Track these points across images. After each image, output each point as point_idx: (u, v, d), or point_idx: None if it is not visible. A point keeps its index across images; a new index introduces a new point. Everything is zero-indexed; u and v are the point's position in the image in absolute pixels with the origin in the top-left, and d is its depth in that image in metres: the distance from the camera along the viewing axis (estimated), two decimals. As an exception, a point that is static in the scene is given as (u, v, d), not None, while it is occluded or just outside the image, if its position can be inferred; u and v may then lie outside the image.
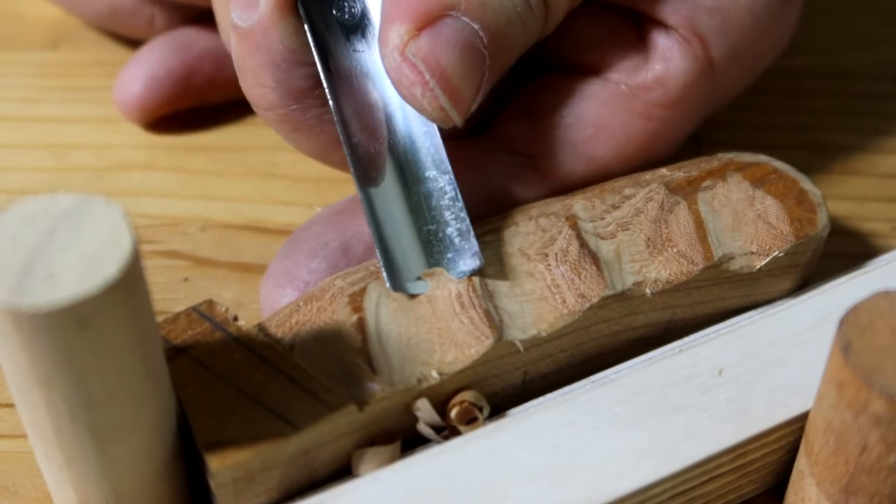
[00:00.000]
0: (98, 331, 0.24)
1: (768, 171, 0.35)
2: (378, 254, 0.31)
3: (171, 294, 0.37)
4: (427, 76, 0.30)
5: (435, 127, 0.33)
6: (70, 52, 0.47)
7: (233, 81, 0.38)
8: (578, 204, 0.34)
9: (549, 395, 0.32)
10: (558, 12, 0.33)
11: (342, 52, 0.33)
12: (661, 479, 0.29)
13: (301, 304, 0.31)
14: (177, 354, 0.30)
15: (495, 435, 0.30)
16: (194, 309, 0.31)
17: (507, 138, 0.36)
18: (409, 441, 0.31)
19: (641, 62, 0.36)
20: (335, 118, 0.32)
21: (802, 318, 0.32)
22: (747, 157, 0.35)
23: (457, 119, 0.31)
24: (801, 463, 0.30)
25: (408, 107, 0.32)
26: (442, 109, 0.31)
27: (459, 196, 0.32)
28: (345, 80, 0.32)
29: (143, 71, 0.42)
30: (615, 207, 0.34)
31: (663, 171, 0.35)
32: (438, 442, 0.31)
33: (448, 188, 0.32)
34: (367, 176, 0.32)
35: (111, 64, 0.45)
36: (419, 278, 0.31)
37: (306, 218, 0.36)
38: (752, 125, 0.43)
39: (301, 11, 0.32)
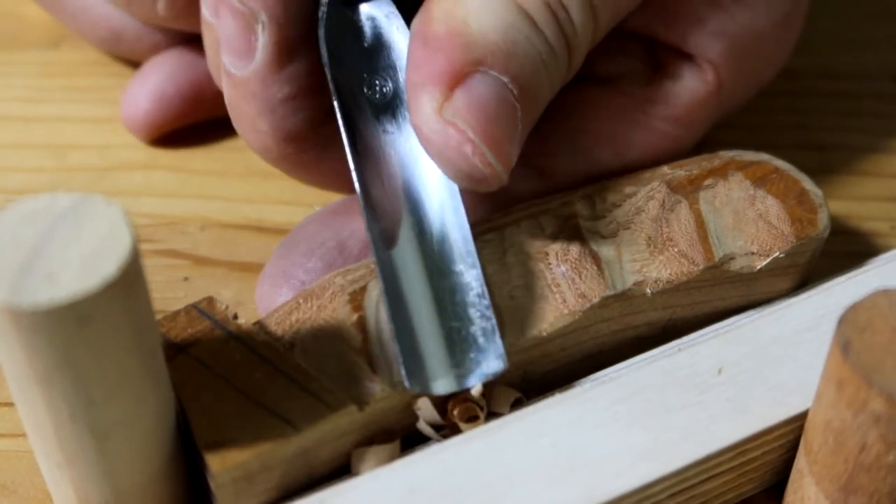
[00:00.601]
0: (97, 329, 0.24)
1: (769, 170, 0.35)
2: (397, 348, 0.30)
3: (170, 293, 0.37)
4: (471, 134, 0.29)
5: (465, 218, 0.31)
6: (70, 52, 0.46)
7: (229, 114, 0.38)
8: (579, 202, 0.34)
9: (548, 394, 0.32)
10: (581, 55, 0.32)
11: (371, 132, 0.31)
12: (660, 477, 0.29)
13: (301, 301, 0.31)
14: (177, 353, 0.30)
15: (495, 433, 0.30)
16: (194, 306, 0.31)
17: None
18: (408, 440, 0.31)
19: (649, 75, 0.36)
20: (360, 202, 0.31)
21: (802, 316, 0.32)
22: (749, 156, 0.35)
23: (503, 175, 0.30)
24: (801, 462, 0.30)
25: (438, 194, 0.31)
26: (490, 166, 0.29)
27: (487, 293, 0.30)
28: (372, 162, 0.31)
29: (152, 88, 0.41)
30: (616, 206, 0.34)
31: (664, 169, 0.35)
32: (438, 441, 0.31)
33: (475, 284, 0.31)
34: (390, 264, 0.30)
35: (111, 64, 0.45)
36: (440, 378, 0.30)
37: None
38: (753, 125, 0.43)
39: (331, 87, 0.31)
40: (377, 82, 0.32)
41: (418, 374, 0.29)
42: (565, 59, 0.31)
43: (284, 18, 0.31)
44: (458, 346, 0.30)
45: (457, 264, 0.31)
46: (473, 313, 0.30)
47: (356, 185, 0.31)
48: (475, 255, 0.31)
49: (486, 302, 0.30)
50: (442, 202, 0.31)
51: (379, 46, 0.32)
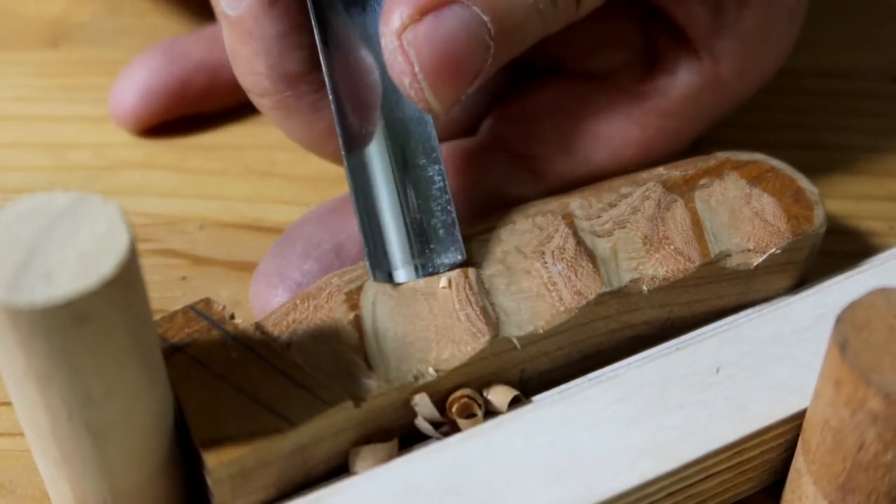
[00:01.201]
0: (95, 328, 0.24)
1: (765, 169, 0.35)
2: (362, 238, 0.31)
3: (168, 292, 0.37)
4: (416, 67, 0.29)
5: (432, 120, 0.32)
6: (69, 52, 0.47)
7: (227, 92, 0.38)
8: (575, 202, 0.34)
9: (546, 393, 0.32)
10: (591, 4, 0.32)
11: (341, 21, 0.32)
12: (658, 476, 0.29)
13: (298, 302, 0.31)
14: (174, 352, 0.30)
15: (493, 432, 0.30)
16: (191, 307, 0.31)
17: (504, 139, 0.36)
18: (405, 438, 0.31)
19: (644, 69, 0.36)
20: (329, 95, 0.31)
21: (800, 315, 0.32)
22: (744, 156, 0.35)
23: (439, 111, 0.30)
24: (799, 461, 0.30)
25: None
26: (425, 101, 0.30)
27: (448, 188, 0.32)
28: (342, 55, 0.32)
29: (139, 82, 0.42)
30: (612, 206, 0.34)
31: (660, 169, 0.35)
32: (436, 438, 0.31)
33: (437, 178, 0.32)
34: (356, 157, 0.31)
35: (110, 63, 0.46)
36: (400, 267, 0.31)
37: (304, 218, 0.36)
38: (751, 124, 0.43)
39: None
40: None
41: (381, 264, 0.31)
42: (571, 5, 0.31)
43: None
44: (419, 237, 0.31)
45: (420, 158, 0.32)
46: (435, 207, 0.32)
47: (325, 77, 0.31)
48: (439, 152, 0.32)
49: (448, 197, 0.32)
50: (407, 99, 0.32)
51: None
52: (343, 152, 0.31)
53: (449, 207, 0.32)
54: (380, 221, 0.31)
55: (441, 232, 0.31)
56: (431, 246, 0.31)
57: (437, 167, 0.32)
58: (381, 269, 0.31)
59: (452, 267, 0.31)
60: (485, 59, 0.30)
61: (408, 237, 0.31)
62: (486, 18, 0.30)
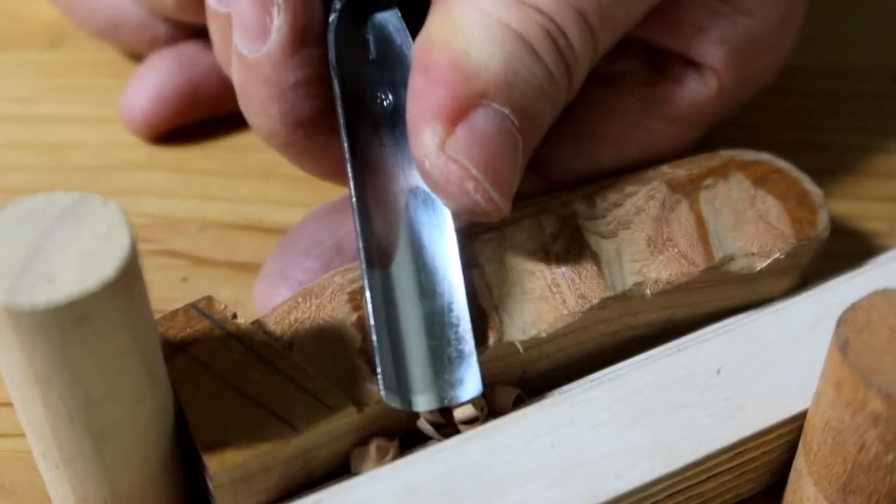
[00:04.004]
0: (96, 330, 0.24)
1: (770, 169, 0.35)
2: (376, 359, 0.29)
3: (169, 293, 0.37)
4: (473, 171, 0.29)
5: (454, 237, 0.31)
6: (69, 52, 0.46)
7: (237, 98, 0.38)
8: (579, 202, 0.34)
9: (547, 394, 0.32)
10: (581, 77, 0.32)
11: (369, 142, 0.31)
12: (659, 477, 0.29)
13: (300, 300, 0.31)
14: (175, 353, 0.29)
15: (494, 434, 0.30)
16: (193, 305, 0.31)
17: None
18: (407, 439, 0.31)
19: (652, 75, 0.36)
20: (354, 213, 0.31)
21: (801, 317, 0.32)
22: (749, 155, 0.35)
23: (505, 208, 0.30)
24: (800, 462, 0.29)
25: (428, 212, 0.31)
26: (492, 201, 0.30)
27: (468, 317, 0.30)
28: (368, 173, 0.31)
29: (149, 88, 0.41)
30: (616, 205, 0.34)
31: (664, 168, 0.35)
32: (438, 440, 0.30)
33: (456, 307, 0.31)
34: (377, 277, 0.30)
35: (110, 64, 0.45)
36: (414, 395, 0.30)
37: (305, 218, 0.36)
38: (753, 123, 0.43)
39: (336, 94, 0.31)
40: (379, 95, 0.32)
41: (393, 388, 0.29)
42: (565, 84, 0.31)
43: (301, 2, 0.31)
44: (434, 365, 0.30)
45: (441, 285, 0.31)
46: (451, 334, 0.30)
47: (352, 194, 0.31)
48: (461, 276, 0.31)
49: (467, 326, 0.30)
50: (431, 220, 0.31)
51: (384, 60, 0.32)
52: (363, 270, 0.30)
53: (467, 336, 0.30)
54: (394, 345, 0.30)
55: (456, 362, 0.30)
56: (445, 376, 0.30)
57: (458, 295, 0.31)
58: (394, 393, 0.29)
59: (466, 399, 0.30)
60: (518, 149, 0.30)
61: (422, 366, 0.30)
62: (506, 111, 0.30)
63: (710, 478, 0.30)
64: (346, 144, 0.31)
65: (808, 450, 0.29)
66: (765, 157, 0.35)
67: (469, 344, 0.30)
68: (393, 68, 0.32)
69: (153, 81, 0.41)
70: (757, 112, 0.43)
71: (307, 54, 0.31)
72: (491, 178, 0.29)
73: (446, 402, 0.30)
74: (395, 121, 0.32)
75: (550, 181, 0.35)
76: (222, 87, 0.42)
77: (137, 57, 0.44)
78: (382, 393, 0.29)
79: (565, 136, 0.36)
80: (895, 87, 0.46)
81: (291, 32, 0.31)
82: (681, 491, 0.30)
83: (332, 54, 0.31)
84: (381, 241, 0.31)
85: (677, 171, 0.35)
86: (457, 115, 0.29)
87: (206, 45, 0.42)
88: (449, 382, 0.30)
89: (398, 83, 0.32)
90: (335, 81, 0.31)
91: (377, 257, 0.31)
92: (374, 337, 0.30)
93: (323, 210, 0.35)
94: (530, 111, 0.30)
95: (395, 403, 0.29)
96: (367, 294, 0.30)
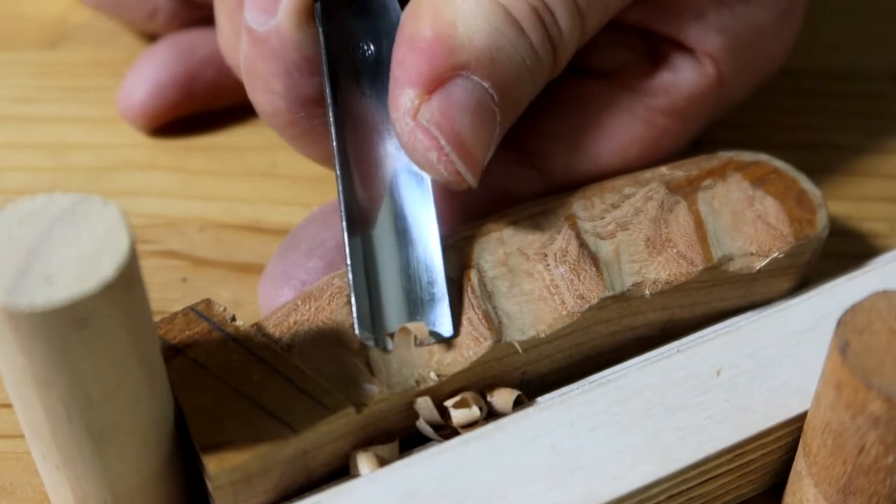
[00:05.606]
0: (95, 331, 0.24)
1: (768, 170, 0.35)
2: (352, 301, 0.30)
3: (168, 294, 0.37)
4: (442, 141, 0.30)
5: (429, 188, 0.32)
6: (69, 52, 0.47)
7: (236, 87, 0.38)
8: (578, 203, 0.34)
9: (547, 396, 0.32)
10: (567, 56, 0.32)
11: (351, 92, 0.32)
12: (659, 479, 0.29)
13: (299, 303, 0.31)
14: (175, 354, 0.29)
15: (493, 435, 0.30)
16: (192, 308, 0.31)
17: (508, 136, 0.36)
18: (406, 441, 0.31)
19: (650, 68, 0.36)
20: (335, 158, 0.31)
21: (801, 318, 0.32)
22: (747, 156, 0.35)
23: (471, 180, 0.31)
24: (800, 463, 0.29)
25: (405, 167, 0.32)
26: (457, 173, 0.30)
27: (442, 265, 0.31)
28: (350, 124, 0.32)
29: (147, 77, 0.41)
30: (615, 207, 0.34)
31: (663, 169, 0.35)
32: (437, 441, 0.30)
33: (430, 254, 0.31)
34: (356, 224, 0.31)
35: (110, 64, 0.45)
36: (391, 334, 0.30)
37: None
38: (752, 124, 0.43)
39: (320, 42, 0.31)
40: (362, 45, 0.32)
41: (368, 326, 0.30)
42: (550, 62, 0.32)
43: None
44: (408, 307, 0.31)
45: (416, 232, 0.32)
46: (424, 279, 0.31)
47: (333, 142, 0.31)
48: (435, 226, 0.32)
49: (440, 271, 0.31)
50: (409, 171, 0.32)
51: (368, 11, 0.32)
52: (343, 218, 0.31)
53: (440, 281, 0.31)
54: (370, 288, 0.31)
55: (429, 304, 0.31)
56: (418, 318, 0.31)
57: (434, 242, 0.32)
58: (368, 331, 0.30)
59: (438, 340, 0.31)
60: (495, 123, 0.31)
61: (397, 307, 0.31)
62: (486, 85, 0.30)
63: (709, 479, 0.30)
64: (328, 92, 0.31)
65: (808, 451, 0.29)
66: (763, 157, 0.35)
67: (441, 288, 0.31)
68: (377, 19, 0.32)
69: (151, 72, 0.41)
70: (757, 112, 0.43)
71: (314, 30, 0.31)
72: (459, 150, 0.30)
73: (417, 344, 0.30)
74: (376, 71, 0.32)
75: (550, 180, 0.35)
76: (220, 76, 0.42)
77: (136, 48, 0.44)
78: (357, 331, 0.30)
79: (565, 134, 0.36)
80: (895, 87, 0.46)
81: (300, 6, 0.31)
82: (681, 493, 0.30)
83: (317, 4, 0.32)
84: (360, 190, 0.32)
85: (676, 172, 0.35)
86: (433, 83, 0.30)
87: (203, 34, 0.42)
88: (421, 322, 0.31)
89: (381, 34, 0.32)
90: (319, 30, 0.31)
91: (356, 205, 0.31)
92: (350, 277, 0.30)
93: (325, 210, 0.35)
94: (512, 87, 0.31)
95: (369, 341, 0.30)
96: (346, 237, 0.31)
